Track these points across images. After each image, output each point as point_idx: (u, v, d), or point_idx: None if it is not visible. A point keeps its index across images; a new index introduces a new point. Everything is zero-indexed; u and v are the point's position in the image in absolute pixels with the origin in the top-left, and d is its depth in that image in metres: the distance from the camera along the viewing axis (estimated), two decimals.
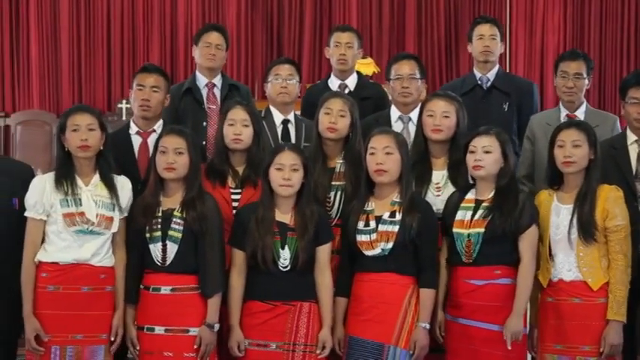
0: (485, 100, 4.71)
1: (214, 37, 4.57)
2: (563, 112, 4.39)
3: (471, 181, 3.69)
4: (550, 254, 3.62)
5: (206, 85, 4.56)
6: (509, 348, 3.50)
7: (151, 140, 4.01)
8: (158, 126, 4.09)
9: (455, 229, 3.61)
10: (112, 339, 3.55)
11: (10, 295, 3.51)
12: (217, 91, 4.56)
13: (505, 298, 3.55)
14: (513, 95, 4.70)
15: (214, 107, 4.50)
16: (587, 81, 4.40)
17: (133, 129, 4.08)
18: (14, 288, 3.50)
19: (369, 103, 4.57)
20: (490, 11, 8.18)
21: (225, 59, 4.69)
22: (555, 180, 3.69)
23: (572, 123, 3.76)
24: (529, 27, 8.33)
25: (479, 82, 4.75)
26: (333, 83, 4.80)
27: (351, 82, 4.79)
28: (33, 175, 3.73)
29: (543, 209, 3.65)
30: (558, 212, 3.61)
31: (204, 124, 4.43)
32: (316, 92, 4.68)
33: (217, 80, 4.59)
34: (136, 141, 4.06)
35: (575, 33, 8.34)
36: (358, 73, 4.94)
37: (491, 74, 4.75)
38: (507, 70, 7.88)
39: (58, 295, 3.47)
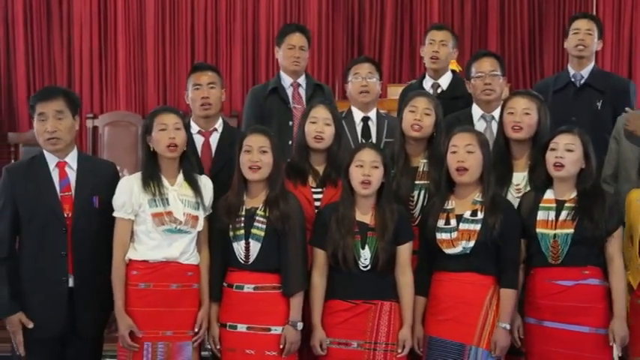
0: (578, 98, 4.57)
1: (297, 39, 4.58)
2: None
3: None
4: None
5: (291, 84, 4.59)
6: (620, 354, 3.48)
7: (213, 139, 4.08)
8: (219, 125, 4.12)
9: (539, 230, 3.55)
10: (196, 331, 3.59)
11: (93, 291, 3.57)
12: (302, 91, 4.59)
13: (594, 299, 3.49)
14: (608, 93, 4.54)
15: (300, 107, 4.50)
16: None
17: (194, 129, 4.09)
18: (95, 284, 3.57)
19: (461, 102, 4.47)
20: (576, 7, 7.98)
21: (307, 59, 4.69)
22: None
23: None
24: (617, 22, 8.08)
25: (572, 80, 4.62)
26: (427, 83, 4.74)
27: (445, 81, 4.71)
28: (116, 173, 3.79)
29: (634, 208, 3.56)
30: None
31: (290, 123, 4.45)
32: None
33: (302, 80, 4.61)
34: (198, 141, 4.08)
35: None
36: (453, 72, 4.85)
37: (586, 71, 4.61)
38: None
39: (149, 292, 3.54)
